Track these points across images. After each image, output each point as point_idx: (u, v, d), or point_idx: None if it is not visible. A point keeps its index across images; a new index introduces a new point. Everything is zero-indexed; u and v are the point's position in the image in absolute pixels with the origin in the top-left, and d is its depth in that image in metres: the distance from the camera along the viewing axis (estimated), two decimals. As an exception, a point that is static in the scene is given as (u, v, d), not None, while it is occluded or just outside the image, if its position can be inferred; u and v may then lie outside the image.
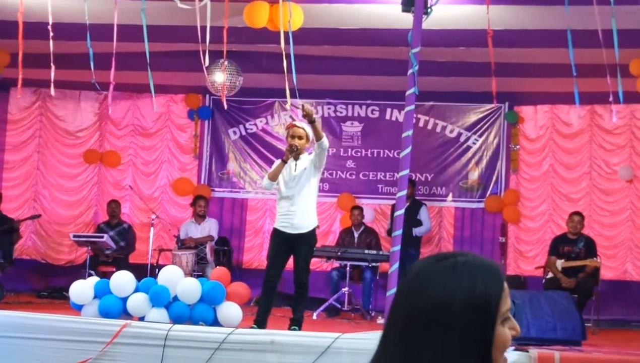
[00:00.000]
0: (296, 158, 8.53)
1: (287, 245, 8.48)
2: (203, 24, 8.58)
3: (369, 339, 6.78)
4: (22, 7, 8.90)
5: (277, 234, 8.57)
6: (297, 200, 8.46)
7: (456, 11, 9.78)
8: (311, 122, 8.26)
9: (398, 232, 7.87)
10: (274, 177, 8.54)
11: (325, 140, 8.38)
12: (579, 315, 9.20)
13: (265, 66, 12.00)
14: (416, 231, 13.02)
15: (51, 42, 8.80)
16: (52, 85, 9.15)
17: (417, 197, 13.45)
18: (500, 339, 1.76)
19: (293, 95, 9.23)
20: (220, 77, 11.31)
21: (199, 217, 13.43)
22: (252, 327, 8.10)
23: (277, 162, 8.65)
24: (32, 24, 9.26)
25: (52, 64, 8.96)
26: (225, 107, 10.77)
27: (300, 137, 8.50)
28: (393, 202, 13.56)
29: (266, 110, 14.70)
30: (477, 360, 1.72)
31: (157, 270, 10.92)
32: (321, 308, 11.69)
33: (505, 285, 1.80)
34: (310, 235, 8.55)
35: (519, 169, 14.03)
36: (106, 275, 9.99)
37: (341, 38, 11.15)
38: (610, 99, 8.48)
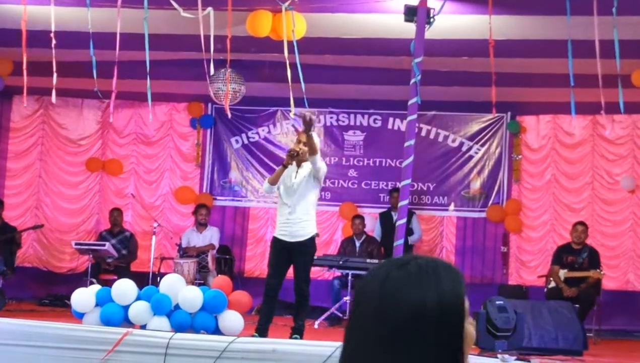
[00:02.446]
0: (298, 165, 8.53)
1: (286, 253, 8.49)
2: (206, 33, 8.60)
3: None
4: (26, 15, 8.92)
5: (276, 243, 8.58)
6: (296, 208, 8.46)
7: (458, 21, 9.79)
8: (307, 130, 8.20)
9: (400, 242, 7.88)
10: (273, 182, 8.55)
11: (317, 158, 8.31)
12: (581, 325, 9.19)
13: (267, 75, 12.02)
14: (409, 239, 13.05)
15: (53, 50, 8.81)
16: (53, 92, 9.17)
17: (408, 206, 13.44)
18: (468, 334, 1.81)
19: (300, 104, 9.24)
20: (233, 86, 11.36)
21: (201, 226, 13.43)
22: (253, 336, 8.10)
23: (279, 167, 8.65)
24: (35, 32, 9.28)
25: (54, 72, 8.98)
26: (229, 115, 10.79)
27: (304, 143, 8.49)
28: (379, 211, 13.66)
29: (268, 119, 14.72)
30: (452, 356, 1.77)
31: (158, 278, 10.91)
32: (323, 317, 11.68)
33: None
34: (309, 243, 8.55)
35: (521, 179, 14.03)
36: (108, 283, 9.98)
37: (344, 47, 11.16)
38: (602, 111, 8.49)
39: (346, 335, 1.85)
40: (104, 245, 12.86)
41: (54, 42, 8.75)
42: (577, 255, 11.59)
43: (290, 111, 9.58)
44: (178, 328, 7.97)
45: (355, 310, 1.86)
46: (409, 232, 13.06)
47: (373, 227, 13.79)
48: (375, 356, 1.77)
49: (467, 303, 1.81)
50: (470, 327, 1.82)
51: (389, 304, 1.78)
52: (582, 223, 11.98)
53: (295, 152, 8.43)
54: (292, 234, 8.45)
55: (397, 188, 12.65)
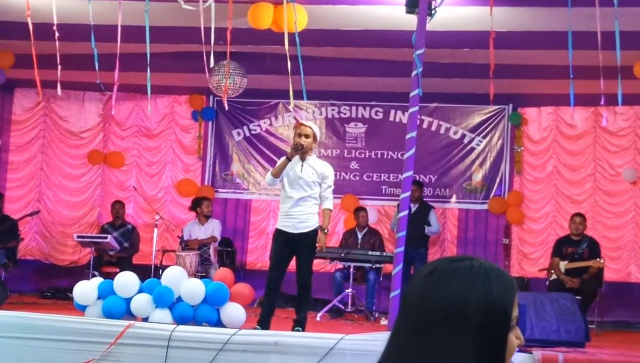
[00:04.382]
0: (303, 158, 8.52)
1: (289, 245, 8.49)
2: (207, 25, 8.59)
3: (373, 340, 6.79)
4: (29, 8, 8.90)
5: (279, 235, 8.58)
6: (300, 200, 8.47)
7: (460, 13, 9.77)
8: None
9: (402, 234, 7.87)
10: (276, 174, 8.55)
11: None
12: (583, 317, 9.19)
13: (269, 67, 12.00)
14: (427, 229, 13.06)
15: (57, 42, 8.80)
16: (58, 85, 9.16)
17: (424, 199, 13.48)
18: (509, 345, 1.78)
19: (299, 97, 9.23)
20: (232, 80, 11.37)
21: (204, 218, 13.40)
22: (255, 328, 8.11)
23: (282, 159, 8.65)
24: (37, 25, 9.26)
25: (58, 64, 8.97)
26: (227, 108, 10.79)
27: (306, 136, 8.51)
28: (397, 202, 13.65)
29: (270, 111, 14.71)
30: (490, 362, 1.74)
31: (160, 271, 10.92)
32: (325, 309, 11.69)
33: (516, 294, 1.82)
34: (312, 236, 8.54)
35: (523, 171, 14.02)
36: (110, 276, 9.98)
37: (345, 39, 11.14)
38: (602, 102, 8.48)
39: (394, 321, 1.86)
40: (105, 237, 12.88)
41: (57, 34, 8.74)
42: (576, 246, 11.60)
43: (289, 104, 9.56)
44: (180, 320, 7.97)
45: (402, 298, 1.86)
46: (428, 224, 13.12)
47: (375, 219, 13.81)
48: (409, 345, 1.77)
49: (515, 314, 1.79)
50: (513, 339, 1.79)
51: (430, 296, 1.78)
52: (579, 214, 12.00)
53: (300, 146, 8.43)
54: (295, 226, 8.46)
55: (414, 181, 12.67)
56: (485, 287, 1.76)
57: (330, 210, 8.83)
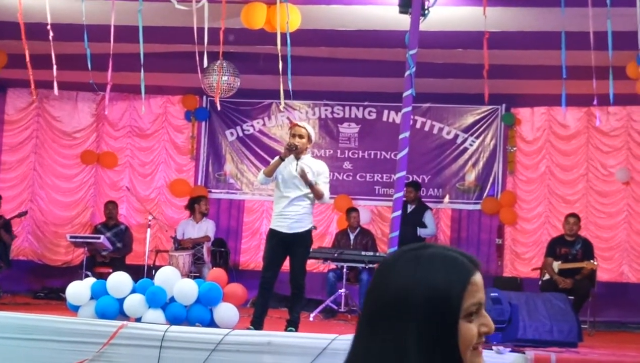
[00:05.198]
0: (297, 157, 8.51)
1: (282, 245, 8.47)
2: (200, 25, 8.59)
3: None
4: (21, 8, 8.89)
5: (272, 235, 8.56)
6: (294, 200, 8.45)
7: (453, 13, 9.79)
8: (308, 184, 8.39)
9: (395, 234, 7.88)
10: (269, 173, 8.53)
11: (324, 200, 8.78)
12: (575, 317, 9.20)
13: (262, 67, 12.00)
14: (421, 231, 13.04)
15: (52, 42, 8.79)
16: (55, 85, 9.14)
17: (422, 199, 13.49)
18: (463, 333, 1.72)
19: (289, 97, 9.24)
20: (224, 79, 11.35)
21: (200, 215, 13.35)
22: (248, 328, 8.10)
23: (275, 158, 8.64)
24: (29, 25, 9.25)
25: (54, 65, 8.96)
26: (219, 108, 10.78)
27: (301, 136, 8.48)
28: (391, 203, 13.66)
29: (263, 111, 14.71)
30: (439, 353, 1.70)
31: (153, 271, 10.89)
32: (318, 309, 11.68)
33: (475, 279, 1.76)
34: (306, 236, 8.53)
35: (516, 171, 14.04)
36: (103, 276, 9.97)
37: (338, 39, 11.15)
38: (595, 102, 8.50)
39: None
40: (98, 238, 12.86)
41: (51, 34, 8.73)
42: (570, 246, 11.61)
43: (280, 103, 9.55)
44: (173, 320, 7.96)
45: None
46: (422, 226, 13.10)
47: (367, 220, 13.81)
48: (362, 338, 1.76)
49: (469, 301, 1.72)
50: (470, 328, 1.72)
51: (377, 286, 1.77)
52: (574, 214, 12.00)
53: (294, 146, 8.41)
54: (289, 226, 8.44)
55: (411, 182, 12.68)
56: (428, 276, 1.71)
57: (324, 195, 8.65)
